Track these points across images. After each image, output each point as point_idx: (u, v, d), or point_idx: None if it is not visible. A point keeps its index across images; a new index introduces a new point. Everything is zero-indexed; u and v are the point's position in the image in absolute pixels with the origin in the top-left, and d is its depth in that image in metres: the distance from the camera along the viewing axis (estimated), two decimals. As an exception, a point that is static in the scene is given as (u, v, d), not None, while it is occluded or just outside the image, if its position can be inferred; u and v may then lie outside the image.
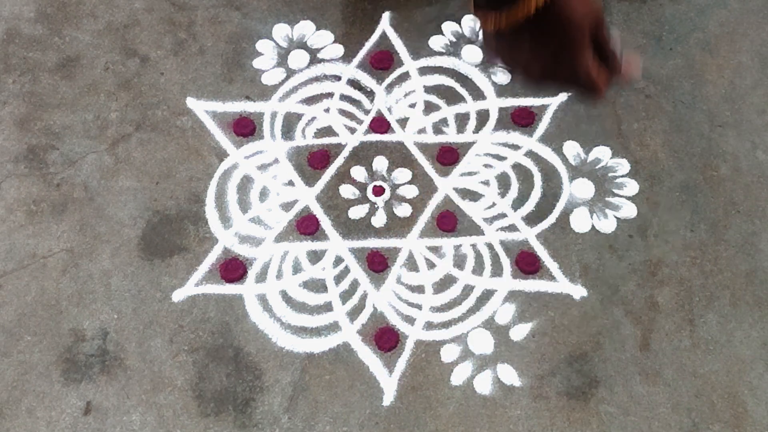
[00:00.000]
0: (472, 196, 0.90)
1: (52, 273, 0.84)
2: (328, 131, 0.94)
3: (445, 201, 0.89)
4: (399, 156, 0.92)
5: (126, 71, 0.98)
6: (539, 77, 0.59)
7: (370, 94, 0.96)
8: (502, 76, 0.98)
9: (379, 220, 0.88)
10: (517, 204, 0.89)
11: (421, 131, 0.94)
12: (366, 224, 0.88)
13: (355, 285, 0.84)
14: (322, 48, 1.00)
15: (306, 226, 0.87)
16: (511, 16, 0.55)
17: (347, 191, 0.90)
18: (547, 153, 0.92)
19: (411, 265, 0.85)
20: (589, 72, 0.59)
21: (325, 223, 0.88)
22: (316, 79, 0.98)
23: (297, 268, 0.85)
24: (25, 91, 0.96)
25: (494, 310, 0.82)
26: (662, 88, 0.97)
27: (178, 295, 0.83)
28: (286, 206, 0.89)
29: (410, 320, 0.82)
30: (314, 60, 0.99)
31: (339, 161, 0.92)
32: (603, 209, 0.88)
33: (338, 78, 0.98)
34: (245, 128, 0.94)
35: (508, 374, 0.78)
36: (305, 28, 1.01)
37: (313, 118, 0.95)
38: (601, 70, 0.60)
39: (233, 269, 0.84)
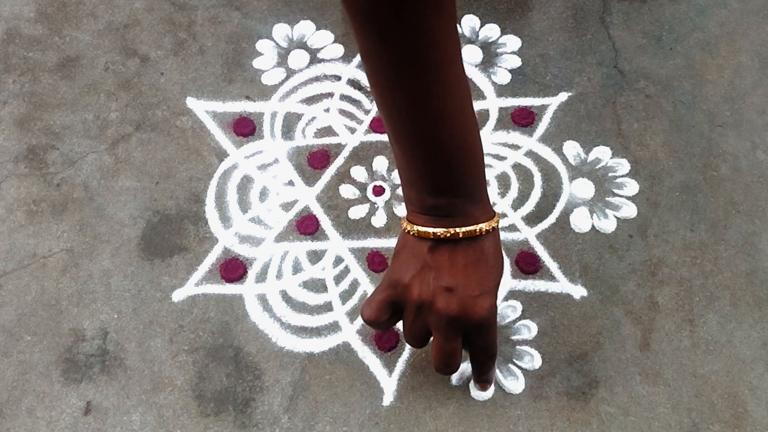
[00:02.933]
0: (472, 196, 0.90)
1: (52, 273, 0.84)
2: (328, 131, 0.94)
3: (445, 201, 0.89)
4: (399, 156, 0.92)
5: (126, 71, 0.98)
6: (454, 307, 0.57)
7: (370, 94, 0.96)
8: (502, 76, 0.98)
9: (379, 220, 0.88)
10: (517, 204, 0.89)
11: (421, 131, 0.94)
12: (366, 224, 0.88)
13: (355, 285, 0.84)
14: (322, 48, 1.00)
15: (306, 226, 0.87)
16: (453, 228, 0.54)
17: (347, 191, 0.90)
18: (547, 153, 0.92)
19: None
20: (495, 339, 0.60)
21: (325, 223, 0.88)
22: (316, 79, 0.98)
23: (297, 268, 0.85)
24: (25, 91, 0.96)
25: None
26: (662, 88, 0.97)
27: (178, 295, 0.83)
28: (286, 206, 0.89)
29: (410, 320, 0.82)
30: (314, 60, 0.99)
31: (339, 161, 0.92)
32: (603, 209, 0.88)
33: (338, 78, 0.98)
34: (245, 128, 0.94)
35: (508, 374, 0.78)
36: (305, 28, 1.01)
37: (313, 118, 0.95)
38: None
39: (233, 269, 0.84)
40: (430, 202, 0.55)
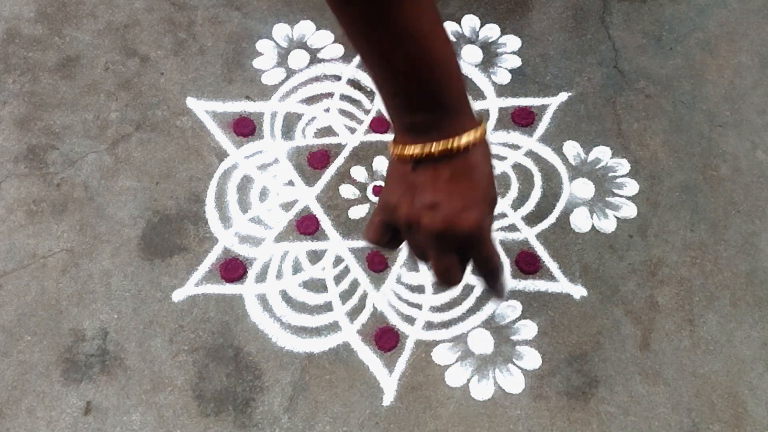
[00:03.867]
0: (472, 196, 0.90)
1: (52, 273, 0.84)
2: (328, 131, 0.94)
3: (445, 201, 0.89)
4: (399, 156, 0.92)
5: (126, 71, 0.98)
6: (438, 223, 0.57)
7: (370, 94, 0.96)
8: (502, 76, 0.98)
9: (379, 220, 0.88)
10: (517, 204, 0.89)
11: (421, 131, 0.94)
12: (366, 224, 0.88)
13: (355, 285, 0.84)
14: (322, 48, 1.00)
15: (306, 226, 0.87)
16: (442, 145, 0.54)
17: (347, 191, 0.90)
18: (547, 153, 0.92)
19: (411, 264, 0.85)
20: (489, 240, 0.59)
21: (325, 223, 0.88)
22: (316, 79, 0.98)
23: (297, 268, 0.85)
24: (25, 91, 0.96)
25: (494, 310, 0.82)
26: (662, 88, 0.97)
27: (178, 295, 0.83)
28: (286, 206, 0.89)
29: (410, 320, 0.82)
30: (314, 60, 0.99)
31: (339, 161, 0.92)
32: (603, 209, 0.88)
33: (338, 78, 0.98)
34: (245, 128, 0.94)
35: (508, 374, 0.78)
36: (305, 28, 1.01)
37: (313, 118, 0.95)
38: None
39: (233, 269, 0.84)
40: (408, 120, 0.55)
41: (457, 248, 0.58)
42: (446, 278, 0.60)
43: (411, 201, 0.55)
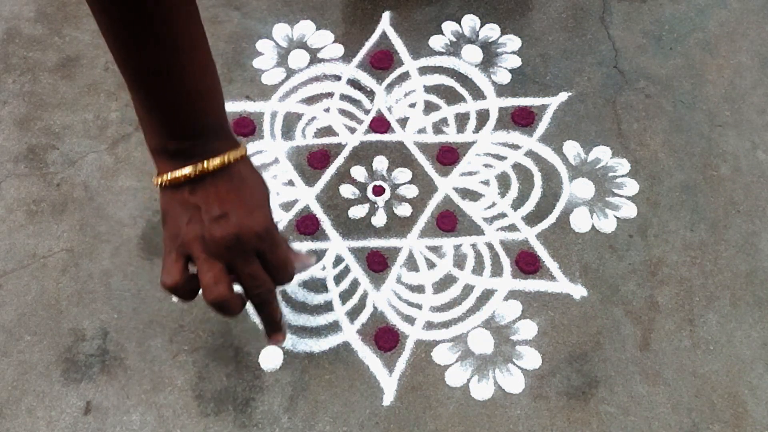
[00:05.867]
0: (472, 195, 0.90)
1: (52, 273, 0.84)
2: (328, 131, 0.94)
3: (445, 201, 0.89)
4: (399, 156, 0.92)
5: (126, 71, 0.98)
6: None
7: (370, 94, 0.96)
8: (503, 76, 0.98)
9: (379, 219, 0.88)
10: (517, 204, 0.89)
11: (421, 131, 0.94)
12: (366, 224, 0.88)
13: (355, 285, 0.84)
14: (322, 48, 1.00)
15: (306, 226, 0.87)
16: (202, 167, 0.53)
17: (347, 191, 0.90)
18: (547, 153, 0.92)
19: (411, 264, 0.85)
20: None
21: (325, 222, 0.88)
22: (316, 78, 0.98)
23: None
24: (25, 91, 0.96)
25: (494, 310, 0.82)
26: (662, 88, 0.97)
27: (178, 295, 0.83)
28: (286, 206, 0.89)
29: (410, 320, 0.82)
30: (314, 60, 0.99)
31: (339, 161, 0.92)
32: (603, 209, 0.88)
33: (338, 78, 0.98)
34: (245, 128, 0.94)
35: (508, 374, 0.78)
36: (305, 27, 1.01)
37: (313, 118, 0.95)
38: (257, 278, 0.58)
39: (233, 269, 0.84)
40: (174, 147, 0.55)
41: (256, 252, 0.58)
42: (258, 287, 0.59)
43: (199, 221, 0.55)
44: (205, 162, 0.54)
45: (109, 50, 0.52)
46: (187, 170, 0.54)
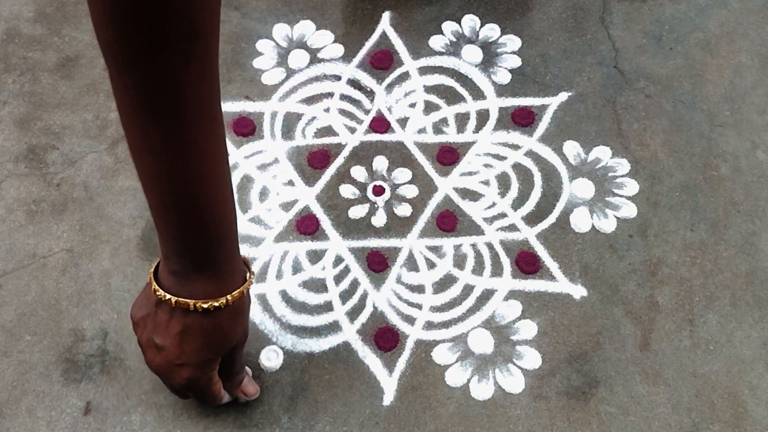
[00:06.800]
0: (472, 195, 0.90)
1: (52, 273, 0.84)
2: (328, 131, 0.94)
3: (445, 201, 0.89)
4: (399, 156, 0.92)
5: (126, 71, 0.98)
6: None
7: (370, 94, 0.96)
8: (503, 76, 0.98)
9: (379, 219, 0.88)
10: (517, 204, 0.89)
11: (421, 131, 0.94)
12: (366, 224, 0.88)
13: (355, 285, 0.84)
14: (322, 48, 1.00)
15: (306, 226, 0.87)
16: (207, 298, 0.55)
17: (347, 191, 0.90)
18: (547, 153, 0.92)
19: (411, 264, 0.85)
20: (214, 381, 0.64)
21: (325, 222, 0.88)
22: (316, 78, 0.98)
23: (297, 268, 0.85)
24: (25, 91, 0.96)
25: (494, 310, 0.82)
26: (662, 88, 0.97)
27: (178, 295, 0.83)
28: (286, 206, 0.89)
29: (410, 320, 0.82)
30: (314, 60, 0.99)
31: (339, 161, 0.92)
32: (603, 209, 0.88)
33: (338, 78, 0.98)
34: (245, 128, 0.94)
35: (508, 374, 0.78)
36: (305, 27, 1.01)
37: (313, 118, 0.95)
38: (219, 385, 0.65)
39: (233, 269, 0.84)
40: (173, 266, 0.56)
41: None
42: (178, 396, 0.66)
43: (147, 327, 0.59)
44: (182, 300, 0.55)
45: (138, 170, 0.50)
46: (170, 296, 0.55)
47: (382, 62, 0.98)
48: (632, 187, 0.90)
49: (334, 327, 0.81)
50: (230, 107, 0.95)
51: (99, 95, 0.96)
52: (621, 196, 0.89)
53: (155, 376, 0.77)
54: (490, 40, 1.01)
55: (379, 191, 0.90)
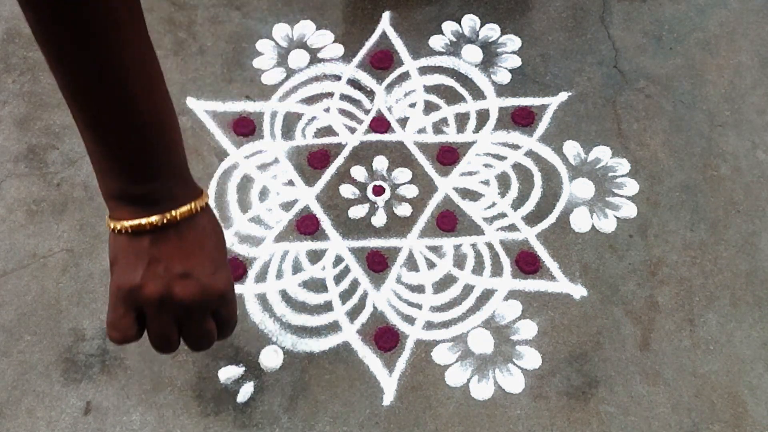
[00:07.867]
0: (472, 195, 0.90)
1: (52, 273, 0.84)
2: (328, 131, 0.94)
3: (445, 201, 0.89)
4: (399, 156, 0.92)
5: (126, 71, 0.98)
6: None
7: (370, 94, 0.96)
8: (503, 76, 0.98)
9: (379, 219, 0.88)
10: (517, 204, 0.89)
11: (421, 131, 0.94)
12: (366, 224, 0.88)
13: (355, 285, 0.84)
14: (322, 48, 1.00)
15: (306, 226, 0.87)
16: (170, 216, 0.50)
17: (347, 191, 0.90)
18: (547, 153, 0.92)
19: (411, 264, 0.85)
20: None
21: (325, 222, 0.88)
22: (316, 78, 0.98)
23: (297, 268, 0.85)
24: (25, 91, 0.96)
25: (494, 310, 0.82)
26: (662, 88, 0.97)
27: (178, 295, 0.83)
28: (286, 206, 0.89)
29: (410, 320, 0.82)
30: (314, 60, 0.99)
31: (339, 161, 0.92)
32: (603, 209, 0.88)
33: (338, 78, 0.98)
34: (245, 128, 0.94)
35: (508, 374, 0.78)
36: (305, 27, 1.01)
37: (313, 118, 0.95)
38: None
39: (233, 269, 0.84)
40: (136, 191, 0.52)
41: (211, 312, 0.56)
42: (202, 344, 0.58)
43: (159, 276, 0.52)
44: (173, 211, 0.50)
45: (62, 92, 0.47)
46: (153, 218, 0.50)
47: (382, 62, 0.98)
48: (632, 187, 0.90)
49: (334, 327, 0.81)
50: (230, 107, 0.95)
51: (99, 95, 0.96)
52: (621, 196, 0.89)
53: (155, 375, 0.77)
54: (490, 40, 1.01)
55: (379, 191, 0.90)
